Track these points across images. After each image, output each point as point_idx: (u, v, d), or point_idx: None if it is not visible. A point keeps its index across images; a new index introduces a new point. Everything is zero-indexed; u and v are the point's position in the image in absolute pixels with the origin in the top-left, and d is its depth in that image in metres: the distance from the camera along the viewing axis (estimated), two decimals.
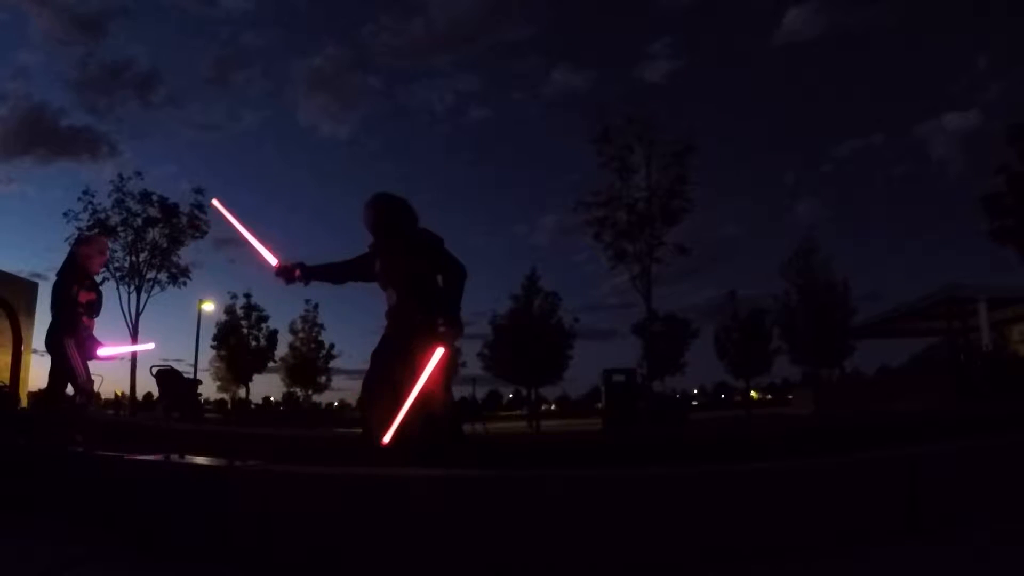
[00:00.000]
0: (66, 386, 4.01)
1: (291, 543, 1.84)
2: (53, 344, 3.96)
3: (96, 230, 16.88)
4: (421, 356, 2.62)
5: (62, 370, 3.95)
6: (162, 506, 2.18)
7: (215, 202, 3.36)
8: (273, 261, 3.02)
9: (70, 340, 3.92)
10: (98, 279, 4.36)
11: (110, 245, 16.51)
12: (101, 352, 4.12)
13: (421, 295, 2.77)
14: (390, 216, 2.93)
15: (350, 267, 3.09)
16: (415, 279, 2.81)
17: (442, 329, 2.64)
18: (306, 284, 3.04)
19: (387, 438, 2.51)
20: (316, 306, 33.77)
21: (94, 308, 4.13)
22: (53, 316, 4.01)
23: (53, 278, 4.08)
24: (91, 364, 4.03)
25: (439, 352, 2.61)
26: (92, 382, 4.05)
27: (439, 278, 2.82)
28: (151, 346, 5.58)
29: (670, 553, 1.72)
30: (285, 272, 3.00)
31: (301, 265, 3.03)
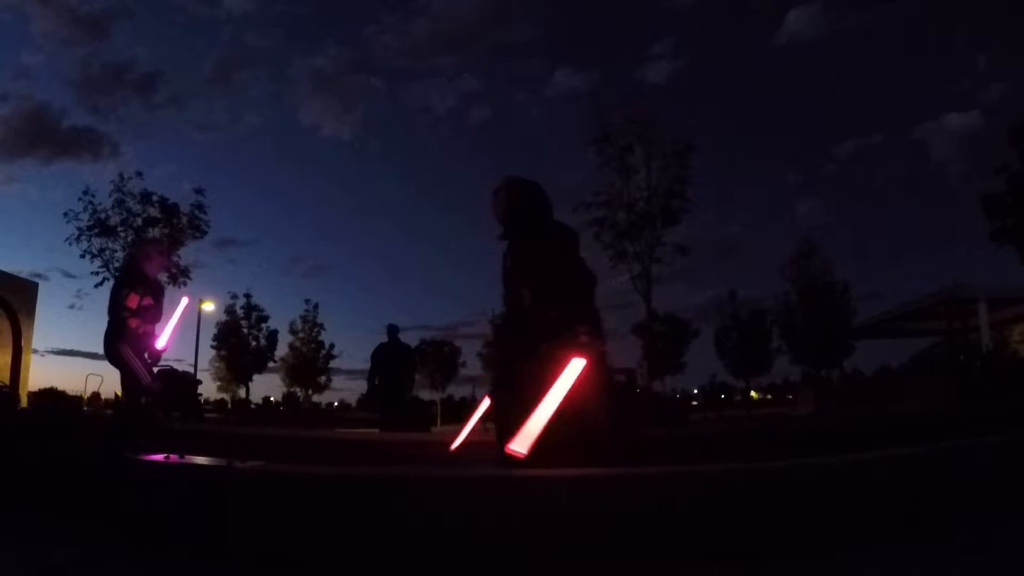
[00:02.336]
0: (139, 393, 3.98)
1: (291, 543, 1.84)
2: (111, 354, 3.92)
3: (96, 230, 16.85)
4: (559, 364, 2.30)
5: (130, 377, 3.92)
6: (162, 506, 2.18)
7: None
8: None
9: (124, 345, 3.89)
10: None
11: (109, 245, 16.52)
12: (159, 344, 4.08)
13: (559, 294, 2.43)
14: (527, 202, 2.56)
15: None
16: (555, 276, 2.44)
17: (584, 339, 2.33)
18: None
19: (522, 449, 2.16)
20: (316, 306, 33.83)
21: (150, 313, 4.05)
22: (108, 323, 3.97)
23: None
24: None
25: (579, 363, 2.29)
26: (157, 384, 4.03)
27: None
28: (186, 301, 5.19)
29: (670, 553, 1.72)
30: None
31: None
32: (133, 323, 3.93)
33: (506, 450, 2.18)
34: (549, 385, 2.27)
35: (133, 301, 3.93)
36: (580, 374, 2.29)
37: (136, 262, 4.12)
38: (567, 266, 2.47)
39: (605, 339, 2.47)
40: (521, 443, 2.15)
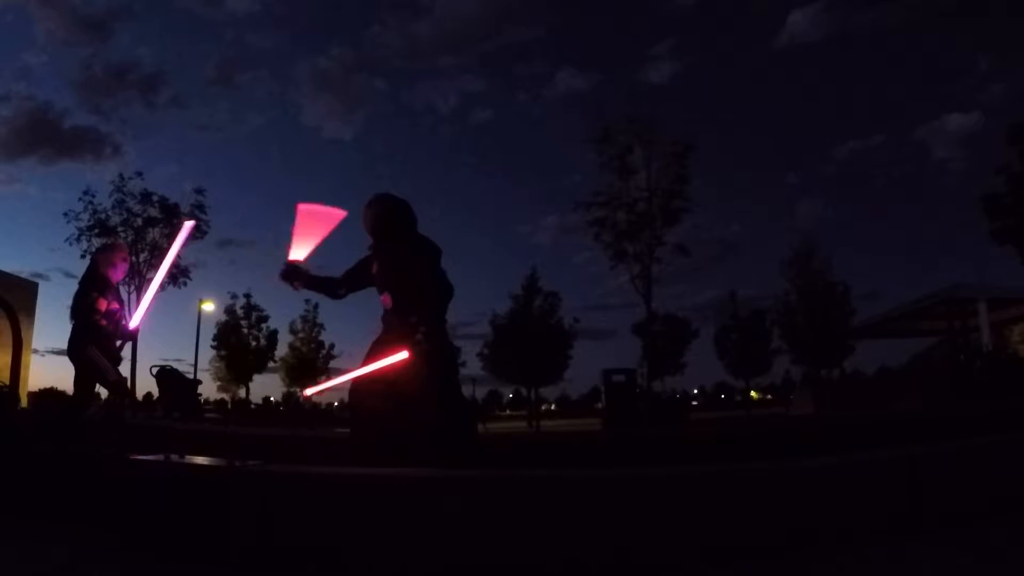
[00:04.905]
0: (94, 390, 4.04)
1: (291, 543, 1.84)
2: (76, 353, 3.96)
3: (96, 230, 16.87)
4: (389, 352, 2.65)
5: (88, 376, 3.98)
6: (162, 506, 2.18)
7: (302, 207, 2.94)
8: (297, 256, 2.90)
9: (92, 346, 3.92)
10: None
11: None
12: (133, 324, 4.09)
13: (417, 301, 2.73)
14: (392, 218, 2.87)
15: (349, 278, 3.03)
16: (414, 285, 2.75)
17: (420, 338, 2.62)
18: (296, 289, 2.97)
19: (309, 392, 2.65)
20: (316, 306, 33.83)
21: (115, 316, 4.10)
22: (73, 325, 4.01)
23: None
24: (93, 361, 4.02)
25: (401, 355, 2.62)
26: (124, 380, 4.09)
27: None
28: (191, 224, 4.79)
29: (670, 553, 1.72)
30: (289, 275, 2.90)
31: (303, 274, 2.93)
32: (102, 324, 3.99)
33: (302, 396, 2.58)
34: (399, 378, 2.65)
35: (102, 305, 4.01)
36: (402, 365, 2.63)
37: (99, 267, 4.14)
38: (428, 275, 2.79)
39: (431, 343, 2.68)
40: (310, 390, 2.67)
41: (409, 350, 2.62)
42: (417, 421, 2.68)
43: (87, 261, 4.54)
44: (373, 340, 2.88)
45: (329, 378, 3.13)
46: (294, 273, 2.91)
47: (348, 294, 3.09)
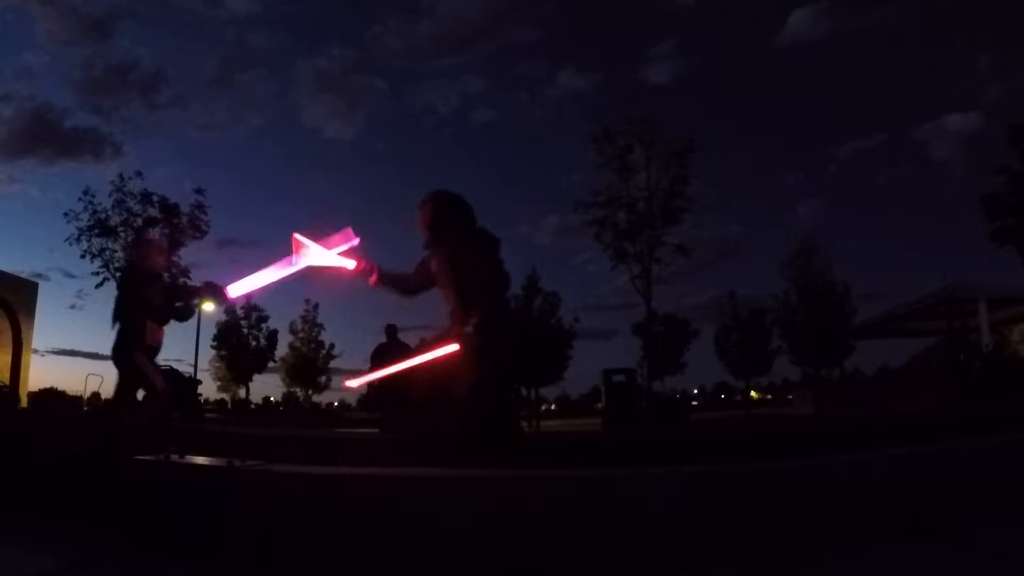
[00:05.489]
0: (135, 396, 3.87)
1: (292, 543, 1.84)
2: (122, 358, 3.80)
3: (96, 231, 16.85)
4: (440, 344, 2.64)
5: (132, 383, 3.83)
6: (162, 506, 2.18)
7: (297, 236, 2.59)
8: (351, 264, 2.75)
9: (141, 353, 3.77)
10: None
11: (110, 245, 16.50)
12: (232, 290, 3.95)
13: (474, 293, 2.68)
14: (447, 214, 2.82)
15: (417, 277, 2.97)
16: (476, 281, 2.69)
17: (469, 330, 2.59)
18: (375, 287, 2.87)
19: (353, 384, 2.70)
20: (316, 306, 33.82)
21: (164, 314, 3.95)
22: (118, 330, 3.83)
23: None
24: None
25: (451, 346, 2.60)
26: (167, 389, 3.87)
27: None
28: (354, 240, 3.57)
29: (670, 553, 1.72)
30: (363, 271, 2.80)
31: (378, 268, 2.84)
32: (150, 326, 3.84)
33: (343, 384, 2.52)
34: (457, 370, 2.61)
35: (151, 301, 3.85)
36: (452, 357, 2.59)
37: (138, 264, 4.03)
38: (486, 266, 2.73)
39: (485, 336, 2.63)
40: (354, 380, 2.65)
41: (460, 342, 2.60)
42: (466, 411, 2.65)
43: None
44: (434, 335, 2.85)
45: (371, 371, 3.08)
46: (371, 271, 2.82)
47: (418, 292, 3.03)
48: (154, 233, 16.27)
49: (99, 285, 16.25)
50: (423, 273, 2.95)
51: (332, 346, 34.05)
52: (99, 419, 4.76)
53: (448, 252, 2.79)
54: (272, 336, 31.79)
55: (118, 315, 3.85)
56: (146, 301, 3.84)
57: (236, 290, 2.84)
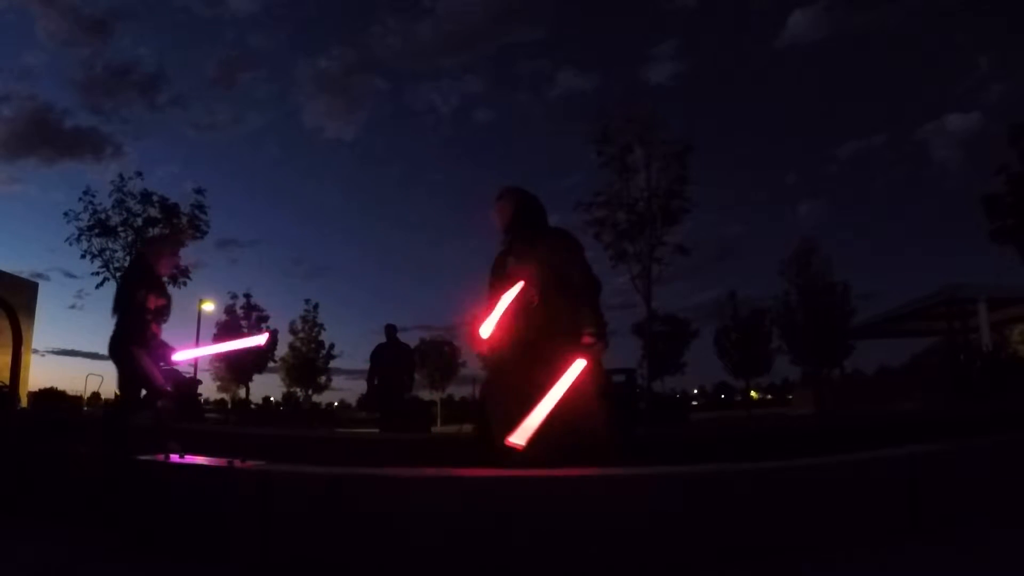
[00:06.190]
0: (139, 393, 3.77)
1: (292, 543, 1.84)
2: (119, 353, 3.71)
3: (96, 230, 16.82)
4: (564, 364, 2.34)
5: (132, 378, 3.72)
6: (162, 506, 2.18)
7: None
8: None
9: (140, 349, 3.68)
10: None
11: (110, 245, 16.48)
12: (177, 356, 3.88)
13: (567, 298, 2.51)
14: (529, 210, 2.72)
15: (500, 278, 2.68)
16: (560, 281, 2.52)
17: (589, 340, 2.44)
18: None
19: (521, 441, 2.17)
20: (316, 306, 33.82)
21: (163, 314, 3.87)
22: (116, 322, 3.75)
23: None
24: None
25: (580, 364, 2.35)
26: (168, 387, 3.77)
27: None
28: (262, 339, 4.43)
29: (670, 553, 1.72)
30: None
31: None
32: (152, 326, 3.76)
33: (506, 442, 2.20)
34: (548, 382, 2.29)
35: (152, 303, 3.76)
36: (580, 374, 2.33)
37: (146, 260, 3.94)
38: (577, 268, 2.56)
39: (607, 342, 2.53)
40: (521, 435, 2.18)
41: (587, 357, 2.37)
42: (581, 426, 2.35)
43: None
44: (511, 341, 2.54)
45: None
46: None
47: None
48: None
49: (99, 285, 16.21)
50: (499, 272, 2.73)
51: (332, 346, 34.06)
52: (100, 419, 4.74)
53: (538, 252, 2.60)
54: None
55: (116, 308, 3.79)
56: (144, 301, 3.76)
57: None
